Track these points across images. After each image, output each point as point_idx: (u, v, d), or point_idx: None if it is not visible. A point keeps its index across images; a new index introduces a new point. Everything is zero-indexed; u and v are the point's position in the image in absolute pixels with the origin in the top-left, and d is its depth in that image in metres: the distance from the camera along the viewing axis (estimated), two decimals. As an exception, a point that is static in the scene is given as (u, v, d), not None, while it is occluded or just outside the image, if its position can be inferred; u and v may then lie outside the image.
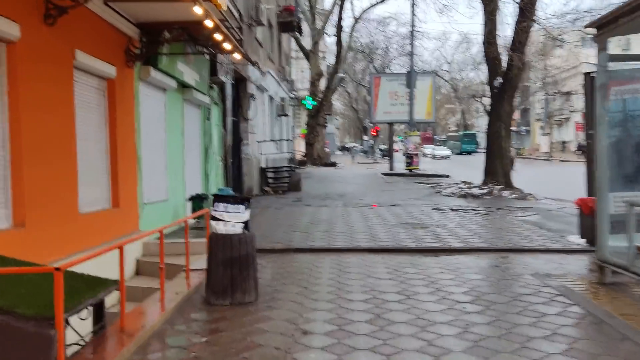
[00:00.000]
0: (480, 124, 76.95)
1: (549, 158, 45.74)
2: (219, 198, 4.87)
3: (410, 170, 24.78)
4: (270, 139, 19.17)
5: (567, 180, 22.85)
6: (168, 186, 8.37)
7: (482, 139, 65.33)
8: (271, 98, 19.99)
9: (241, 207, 4.79)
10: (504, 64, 15.21)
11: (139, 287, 6.18)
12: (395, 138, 34.86)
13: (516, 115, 61.99)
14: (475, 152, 55.37)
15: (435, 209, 11.42)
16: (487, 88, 57.14)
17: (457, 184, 18.58)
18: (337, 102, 63.68)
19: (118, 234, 6.38)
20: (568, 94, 48.88)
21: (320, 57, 32.44)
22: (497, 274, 5.93)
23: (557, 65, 49.74)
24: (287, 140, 19.20)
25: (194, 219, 7.37)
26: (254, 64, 11.95)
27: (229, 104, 11.95)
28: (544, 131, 49.95)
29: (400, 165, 27.62)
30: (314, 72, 30.62)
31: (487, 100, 61.13)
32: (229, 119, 12.00)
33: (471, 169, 30.70)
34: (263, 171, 17.01)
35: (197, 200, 8.71)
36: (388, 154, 28.26)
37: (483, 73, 61.96)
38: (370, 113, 28.52)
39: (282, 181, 17.65)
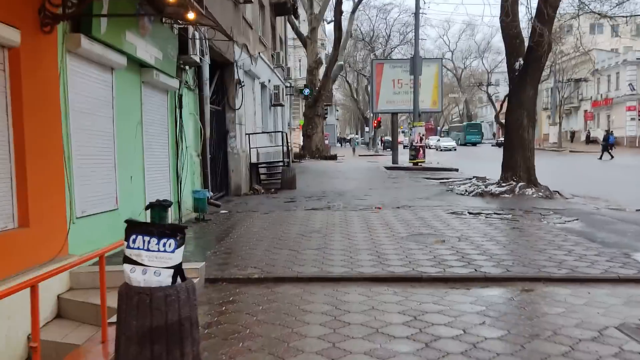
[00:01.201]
0: (484, 114, 74.90)
1: (558, 149, 43.72)
2: (134, 228, 2.98)
3: (415, 164, 22.89)
4: (262, 131, 17.26)
5: (584, 173, 20.95)
6: (118, 192, 6.50)
7: (486, 129, 63.36)
8: (263, 86, 18.04)
9: (170, 243, 2.90)
10: (525, 41, 13.25)
11: (52, 343, 4.34)
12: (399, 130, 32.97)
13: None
14: (480, 143, 53.45)
15: (452, 213, 9.54)
16: (493, 77, 55.07)
17: (469, 179, 16.70)
18: (338, 93, 61.65)
19: (27, 264, 4.53)
20: (583, 80, 46.67)
21: (318, 44, 30.40)
22: (568, 327, 4.02)
23: (565, 52, 47.60)
24: (282, 132, 17.28)
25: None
26: (231, 38, 10.02)
27: (207, 89, 10.05)
28: (552, 121, 47.88)
29: (404, 158, 25.74)
30: (312, 59, 28.61)
31: (492, 89, 59.14)
32: (207, 108, 10.10)
33: (479, 161, 28.82)
34: (254, 167, 15.14)
35: (158, 210, 6.84)
36: (391, 146, 26.39)
37: (487, 61, 60.19)
38: (372, 103, 26.57)
39: (275, 178, 15.78)
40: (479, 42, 58.16)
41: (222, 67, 13.00)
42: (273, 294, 4.92)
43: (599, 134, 47.83)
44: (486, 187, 13.14)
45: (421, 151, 23.20)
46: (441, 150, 42.92)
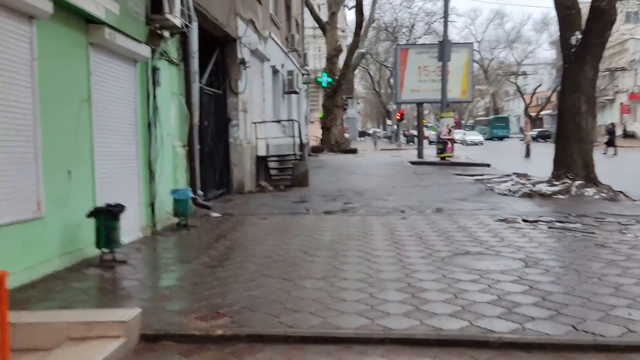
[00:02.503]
0: (511, 107, 71.32)
1: (595, 143, 40.34)
2: None
3: (443, 159, 20.56)
4: (273, 120, 15.22)
5: (633, 170, 18.27)
6: (42, 193, 4.53)
7: (513, 124, 60.08)
8: (275, 70, 15.98)
9: None
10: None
11: None
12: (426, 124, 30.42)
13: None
14: (507, 137, 50.39)
15: (501, 221, 7.31)
16: (522, 69, 51.97)
17: (508, 175, 14.35)
18: (359, 86, 59.25)
19: None
20: (622, 70, 43.14)
21: (338, 30, 28.16)
22: None
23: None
24: (295, 121, 15.19)
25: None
26: None
27: (195, 64, 8.03)
28: (586, 114, 44.38)
29: (429, 152, 23.39)
30: (331, 47, 26.39)
31: (521, 81, 55.79)
32: (196, 87, 8.08)
33: (510, 156, 26.16)
34: (262, 160, 13.12)
35: (105, 218, 4.87)
36: (414, 139, 24.00)
37: (517, 52, 56.70)
38: (395, 92, 24.24)
39: (287, 173, 13.73)
40: (509, 31, 54.81)
41: (222, 44, 10.99)
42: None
43: (637, 128, 44.29)
44: (534, 185, 10.81)
45: (449, 144, 20.84)
46: (467, 144, 40.16)
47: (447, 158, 20.52)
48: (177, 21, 6.83)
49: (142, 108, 6.59)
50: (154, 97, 6.72)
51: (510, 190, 10.78)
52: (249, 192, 11.40)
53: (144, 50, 6.36)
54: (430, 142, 34.07)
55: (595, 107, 11.22)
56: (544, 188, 10.46)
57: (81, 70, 5.22)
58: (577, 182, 10.27)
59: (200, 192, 8.09)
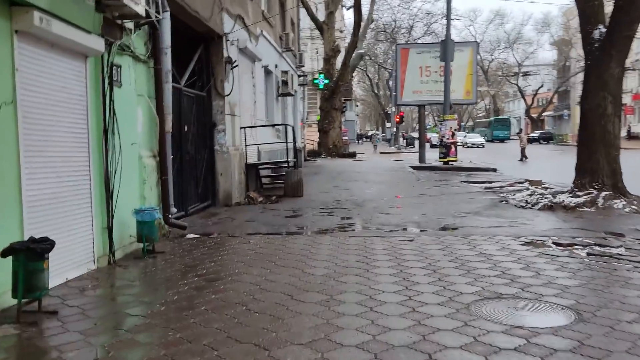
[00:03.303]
0: (511, 108, 70.12)
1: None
2: None
3: (446, 163, 19.36)
4: (266, 124, 14.03)
5: (636, 171, 17.07)
6: None
7: (513, 125, 58.90)
8: (268, 71, 14.80)
9: None
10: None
11: None
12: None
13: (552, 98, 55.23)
14: (508, 139, 49.22)
15: (528, 244, 6.10)
16: (523, 70, 50.87)
17: (520, 183, 13.19)
18: (358, 88, 58.08)
19: None
20: (631, 69, 41.91)
21: (336, 30, 26.98)
22: None
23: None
24: (286, 125, 13.98)
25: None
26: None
27: (167, 61, 6.82)
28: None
29: (430, 156, 22.22)
30: (328, 47, 25.22)
31: (522, 83, 54.66)
32: (168, 88, 6.86)
33: (513, 159, 25.03)
34: (252, 168, 11.92)
35: (24, 257, 3.65)
36: (414, 141, 22.75)
37: (517, 53, 55.54)
38: (395, 94, 23.05)
39: (281, 181, 12.52)
40: (509, 32, 53.66)
41: (206, 41, 9.80)
42: None
43: (640, 129, 43.15)
44: (554, 196, 9.60)
45: (453, 148, 19.64)
46: (468, 146, 38.94)
47: (450, 162, 19.33)
48: (140, 9, 5.61)
49: (96, 113, 5.37)
50: (111, 99, 5.50)
51: (527, 202, 9.56)
52: (236, 204, 10.19)
53: (96, 43, 5.15)
54: (432, 146, 32.86)
55: (622, 109, 9.99)
56: (566, 199, 9.25)
57: (2, 64, 4.02)
58: (604, 193, 9.06)
59: (174, 210, 6.87)
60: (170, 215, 6.72)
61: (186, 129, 8.82)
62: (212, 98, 10.03)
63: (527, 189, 11.18)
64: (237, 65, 10.50)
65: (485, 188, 12.04)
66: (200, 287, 4.51)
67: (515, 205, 9.37)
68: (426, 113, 54.28)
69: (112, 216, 5.49)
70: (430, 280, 4.59)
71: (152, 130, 6.70)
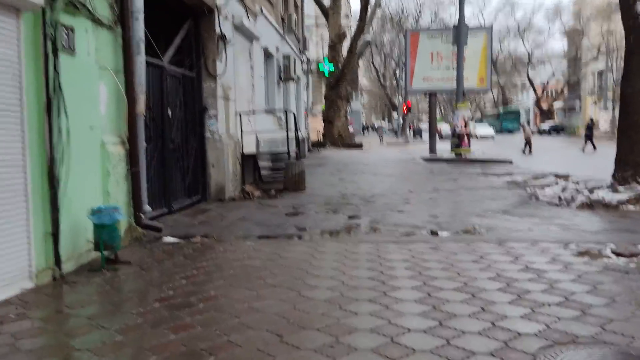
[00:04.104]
0: (520, 100, 68.21)
1: (612, 137, 37.66)
2: None
3: (458, 154, 18.04)
4: (266, 110, 12.76)
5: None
6: None
7: (522, 116, 57.20)
8: (268, 54, 13.49)
9: None
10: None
11: None
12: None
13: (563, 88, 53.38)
14: (518, 130, 47.65)
15: (583, 255, 4.82)
16: (533, 59, 48.75)
17: (544, 177, 11.88)
18: (363, 79, 56.52)
19: None
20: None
21: (342, 15, 25.51)
22: None
23: (614, 31, 41.29)
24: (289, 112, 12.69)
25: None
26: None
27: (139, 29, 5.55)
28: (603, 105, 41.72)
29: (441, 147, 20.89)
30: (334, 33, 23.81)
31: (532, 73, 52.89)
32: (140, 61, 5.59)
33: (535, 150, 23.66)
34: (249, 159, 10.69)
35: None
36: (421, 132, 21.33)
37: (528, 42, 53.60)
38: (405, 81, 21.65)
39: (280, 173, 11.28)
40: (519, 20, 51.90)
41: (196, 15, 8.52)
42: None
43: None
44: (591, 192, 8.30)
45: (466, 139, 18.30)
46: (478, 138, 37.47)
47: (463, 154, 18.00)
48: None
49: (36, 86, 4.13)
50: (56, 70, 4.25)
51: (561, 199, 8.26)
52: (230, 200, 8.97)
53: (29, -8, 3.89)
54: (441, 137, 31.41)
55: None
56: (606, 196, 7.94)
57: None
58: (652, 188, 7.76)
59: (147, 208, 5.64)
60: (142, 215, 5.50)
61: (170, 113, 7.58)
62: (203, 79, 8.76)
63: (557, 183, 9.88)
64: (232, 44, 9.21)
65: (508, 182, 10.73)
66: (159, 321, 3.28)
67: (548, 203, 8.06)
68: (423, 106, 52.80)
69: (59, 217, 4.26)
70: (472, 311, 3.33)
71: (121, 112, 5.45)
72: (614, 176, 8.44)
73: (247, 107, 11.00)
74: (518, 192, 9.11)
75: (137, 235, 5.53)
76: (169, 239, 5.65)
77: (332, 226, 6.49)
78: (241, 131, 10.05)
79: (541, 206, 7.80)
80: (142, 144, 5.60)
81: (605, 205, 7.61)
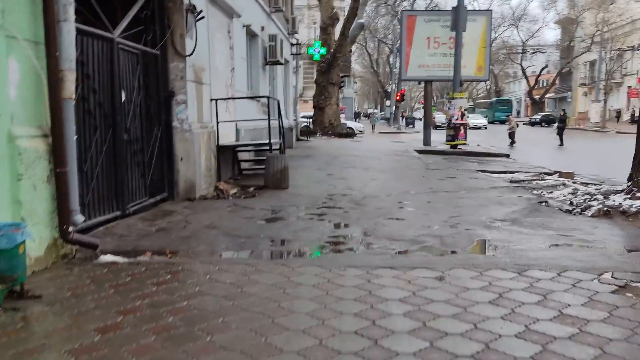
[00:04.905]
0: (512, 90, 67.14)
1: (602, 129, 36.95)
2: None
3: (454, 147, 16.95)
4: (248, 96, 11.47)
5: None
6: None
7: (513, 107, 56.23)
8: (252, 33, 12.14)
9: None
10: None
11: None
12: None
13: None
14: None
15: (622, 290, 3.72)
16: (527, 48, 47.68)
17: (548, 174, 10.85)
18: (356, 65, 54.95)
19: None
20: (636, 48, 39.14)
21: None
22: None
23: (610, 20, 40.18)
24: (272, 98, 11.43)
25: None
26: None
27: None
28: (595, 97, 40.82)
29: (435, 138, 19.79)
30: (326, 15, 22.35)
31: (525, 63, 51.71)
32: (69, 29, 4.30)
33: (520, 143, 22.72)
34: (227, 151, 9.48)
35: None
36: (414, 121, 20.02)
37: (522, 31, 52.38)
38: (399, 68, 20.38)
39: (263, 167, 10.05)
40: (514, 8, 50.49)
41: (160, -17, 7.18)
42: None
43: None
44: (606, 197, 7.23)
45: (462, 130, 17.20)
46: (470, 128, 36.36)
47: (459, 146, 16.91)
48: None
49: None
50: None
51: (573, 204, 7.18)
52: (202, 198, 7.76)
53: None
54: (436, 127, 30.24)
55: None
56: (623, 202, 6.86)
57: None
58: (680, 196, 6.69)
59: (78, 219, 4.40)
60: (71, 229, 4.27)
61: (124, 97, 6.29)
62: (169, 58, 7.46)
63: (564, 185, 8.81)
64: (203, 16, 7.89)
65: (511, 181, 9.63)
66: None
67: (560, 209, 6.96)
68: (419, 94, 51.38)
69: None
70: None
71: (41, 96, 4.18)
72: (631, 179, 7.35)
73: (226, 92, 9.73)
74: (524, 195, 8.00)
75: (65, 253, 4.33)
76: (107, 258, 4.44)
77: (315, 237, 5.34)
78: (217, 120, 8.80)
79: (554, 214, 6.69)
80: (72, 137, 4.34)
81: (624, 213, 6.53)
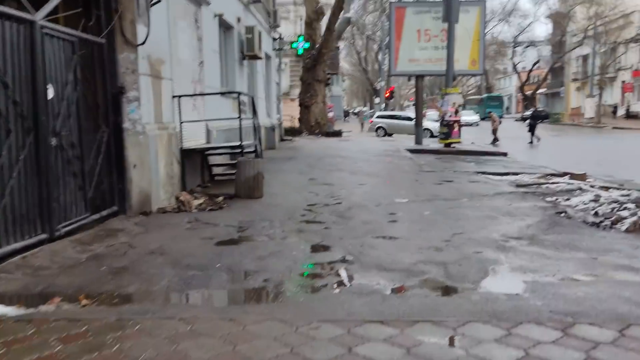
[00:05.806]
0: (503, 86, 66.40)
1: (597, 125, 36.18)
2: None
3: (447, 145, 15.86)
4: (220, 93, 10.22)
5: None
6: None
7: (504, 103, 55.45)
8: (226, 25, 10.89)
9: None
10: None
11: None
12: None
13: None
14: (501, 117, 45.84)
15: None
16: (517, 44, 46.69)
17: (557, 175, 9.77)
18: (345, 63, 53.75)
19: None
20: (633, 42, 38.32)
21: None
22: None
23: (602, 14, 39.41)
24: (239, 93, 10.16)
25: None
26: None
27: None
28: (589, 92, 40.05)
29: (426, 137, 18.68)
30: (310, 9, 21.14)
31: (517, 59, 50.90)
32: None
33: (513, 140, 21.72)
34: (195, 155, 8.25)
35: None
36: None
37: (513, 26, 51.48)
38: (388, 63, 19.26)
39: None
40: (504, 2, 49.68)
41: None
42: None
43: (640, 108, 39.96)
44: (638, 206, 6.13)
45: (456, 128, 16.12)
46: (462, 125, 35.41)
47: (453, 145, 15.82)
48: None
49: None
50: None
51: (598, 215, 6.06)
52: (160, 211, 6.56)
53: None
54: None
55: None
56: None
57: None
58: None
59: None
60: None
61: (52, 94, 5.05)
62: (117, 48, 6.22)
63: (581, 189, 7.72)
64: (159, 0, 6.64)
65: (517, 185, 8.50)
66: None
67: (585, 222, 5.84)
68: (409, 91, 50.30)
69: None
70: None
71: None
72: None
73: (194, 88, 8.50)
74: (537, 204, 6.86)
75: None
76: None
77: (284, 269, 4.16)
78: (180, 120, 7.56)
79: (578, 229, 5.57)
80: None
81: (663, 225, 5.43)
